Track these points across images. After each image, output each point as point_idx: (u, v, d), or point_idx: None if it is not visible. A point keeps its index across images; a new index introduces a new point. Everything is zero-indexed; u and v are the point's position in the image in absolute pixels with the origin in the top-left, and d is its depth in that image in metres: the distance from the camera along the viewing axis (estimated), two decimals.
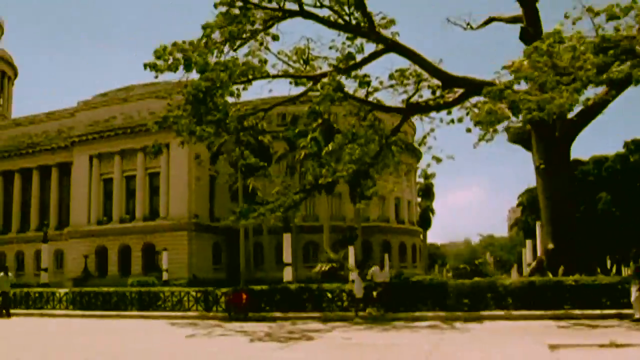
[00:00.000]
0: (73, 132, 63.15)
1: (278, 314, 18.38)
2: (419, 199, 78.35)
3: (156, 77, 16.36)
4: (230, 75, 15.99)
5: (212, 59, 16.27)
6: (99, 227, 59.91)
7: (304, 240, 58.93)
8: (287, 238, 31.93)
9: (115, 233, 58.90)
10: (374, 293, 16.77)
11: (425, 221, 78.57)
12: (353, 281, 17.82)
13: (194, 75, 17.03)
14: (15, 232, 66.03)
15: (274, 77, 17.00)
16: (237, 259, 62.37)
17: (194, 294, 20.78)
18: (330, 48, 17.74)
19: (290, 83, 17.33)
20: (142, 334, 16.13)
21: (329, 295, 18.12)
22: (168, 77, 17.74)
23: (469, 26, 20.11)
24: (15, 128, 67.90)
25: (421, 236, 74.71)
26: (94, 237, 59.75)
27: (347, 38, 16.89)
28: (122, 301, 21.94)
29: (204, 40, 16.21)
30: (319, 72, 17.40)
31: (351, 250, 44.98)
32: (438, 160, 18.18)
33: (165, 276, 48.44)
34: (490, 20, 20.75)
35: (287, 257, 31.99)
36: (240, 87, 17.63)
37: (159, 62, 16.07)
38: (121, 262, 58.98)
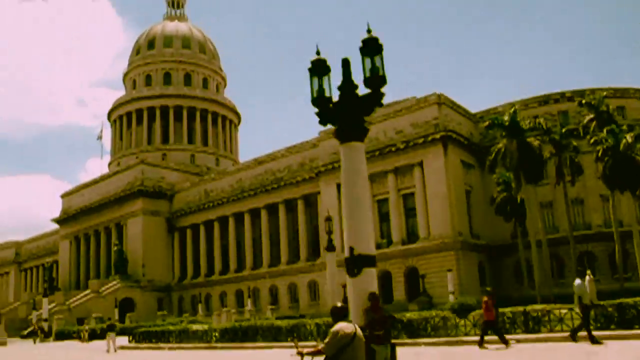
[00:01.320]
0: (316, 163, 63.43)
1: None
2: None
3: None
4: None
5: None
6: None
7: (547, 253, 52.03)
8: None
9: None
10: None
11: None
12: None
13: None
14: (267, 267, 67.23)
15: None
16: (500, 278, 57.48)
17: None
18: None
19: None
20: None
21: None
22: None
23: None
24: (258, 166, 70.12)
25: None
26: None
27: None
28: None
29: None
30: None
31: None
32: None
33: (452, 298, 45.05)
34: None
35: None
36: None
37: None
38: (381, 289, 56.72)
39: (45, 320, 57.96)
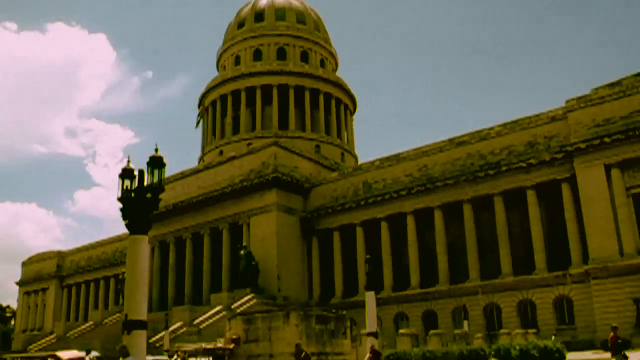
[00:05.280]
0: (555, 142, 48.13)
1: None
2: None
3: None
4: None
5: None
6: None
7: None
8: None
9: None
10: None
11: None
12: None
13: None
14: (479, 279, 50.25)
15: None
16: None
17: None
18: None
19: None
20: None
21: None
22: None
23: None
24: (456, 149, 53.85)
25: None
26: (635, 276, 42.32)
27: None
28: None
29: None
30: None
31: None
32: None
33: None
34: None
35: None
36: None
37: None
38: None
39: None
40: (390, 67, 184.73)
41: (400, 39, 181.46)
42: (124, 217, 12.39)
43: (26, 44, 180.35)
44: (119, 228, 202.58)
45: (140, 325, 11.63)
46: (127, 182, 12.42)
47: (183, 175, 69.00)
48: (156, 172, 12.46)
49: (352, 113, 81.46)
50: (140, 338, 11.70)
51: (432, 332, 38.46)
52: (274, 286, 57.22)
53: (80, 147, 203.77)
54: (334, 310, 21.54)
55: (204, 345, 21.00)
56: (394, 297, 54.37)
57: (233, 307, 53.24)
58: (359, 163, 74.56)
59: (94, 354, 28.70)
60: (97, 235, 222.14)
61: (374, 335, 22.49)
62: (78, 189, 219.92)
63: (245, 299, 54.32)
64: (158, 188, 12.28)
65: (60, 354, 24.91)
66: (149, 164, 12.47)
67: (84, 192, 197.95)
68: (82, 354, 26.06)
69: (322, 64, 79.48)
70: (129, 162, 12.77)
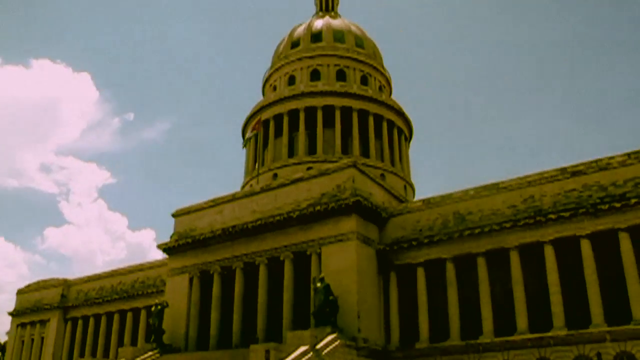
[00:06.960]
0: None
1: None
2: None
3: None
4: None
5: None
6: None
7: None
8: None
9: None
10: None
11: None
12: None
13: None
14: (603, 323, 44.44)
15: None
16: None
17: None
18: None
19: None
20: None
21: None
22: None
23: None
24: (569, 179, 48.84)
25: None
26: None
27: None
28: None
29: None
30: None
31: None
32: None
33: None
34: None
35: None
36: None
37: None
38: None
39: None
40: (441, 97, 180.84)
41: (449, 68, 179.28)
42: None
43: (8, 77, 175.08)
44: (89, 268, 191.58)
45: None
46: None
47: (233, 198, 61.98)
48: None
49: (405, 135, 76.41)
50: None
51: None
52: (353, 325, 50.06)
53: (54, 183, 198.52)
54: None
55: None
56: (497, 342, 48.02)
57: (317, 347, 45.96)
58: (415, 196, 69.31)
59: None
60: (65, 274, 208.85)
61: None
62: (48, 226, 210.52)
63: (328, 339, 46.88)
64: None
65: None
66: None
67: (54, 229, 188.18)
68: None
69: (380, 89, 74.93)
70: None
